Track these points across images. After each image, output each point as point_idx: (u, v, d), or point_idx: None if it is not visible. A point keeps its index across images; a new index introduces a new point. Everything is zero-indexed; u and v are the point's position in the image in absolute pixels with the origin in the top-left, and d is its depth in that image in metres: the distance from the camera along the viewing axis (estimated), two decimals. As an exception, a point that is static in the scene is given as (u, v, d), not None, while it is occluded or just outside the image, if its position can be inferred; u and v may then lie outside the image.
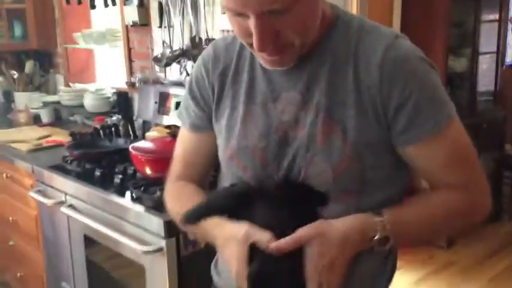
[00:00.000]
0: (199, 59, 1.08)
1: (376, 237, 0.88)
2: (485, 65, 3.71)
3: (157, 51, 2.69)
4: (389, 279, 1.05)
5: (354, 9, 2.68)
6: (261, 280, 0.86)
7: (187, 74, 2.47)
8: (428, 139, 0.90)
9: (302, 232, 0.86)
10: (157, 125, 2.55)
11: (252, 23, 0.82)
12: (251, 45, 0.87)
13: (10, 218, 2.71)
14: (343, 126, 0.90)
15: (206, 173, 1.14)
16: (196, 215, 0.97)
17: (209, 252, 1.16)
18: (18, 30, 3.50)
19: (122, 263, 1.91)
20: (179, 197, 1.08)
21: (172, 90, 2.57)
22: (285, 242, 0.85)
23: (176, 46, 2.55)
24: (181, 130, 1.14)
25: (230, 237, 0.90)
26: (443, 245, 3.49)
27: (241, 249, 0.87)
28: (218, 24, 2.42)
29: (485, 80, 3.77)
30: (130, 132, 2.66)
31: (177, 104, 2.43)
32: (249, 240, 0.87)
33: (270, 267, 0.85)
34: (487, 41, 3.67)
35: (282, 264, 0.85)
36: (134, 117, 2.82)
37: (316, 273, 0.85)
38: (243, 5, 0.81)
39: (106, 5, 2.84)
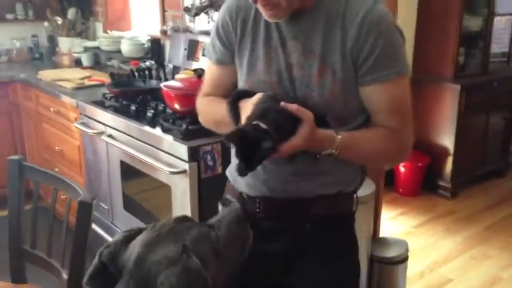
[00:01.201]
0: (225, 7, 1.32)
1: (327, 151, 1.14)
2: (501, 26, 3.79)
3: (188, 1, 2.90)
4: (358, 186, 1.34)
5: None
6: (264, 113, 1.09)
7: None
8: (378, 85, 1.15)
9: (307, 112, 1.10)
10: (185, 69, 2.82)
11: None
12: (254, 1, 1.14)
13: (56, 148, 3.07)
14: (333, 68, 1.16)
15: (229, 93, 1.35)
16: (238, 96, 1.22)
17: (224, 177, 1.43)
18: (62, -21, 3.76)
19: (152, 184, 2.22)
20: (212, 102, 1.35)
21: (201, 38, 2.81)
22: (293, 106, 1.09)
23: (205, -3, 2.77)
24: (209, 63, 1.39)
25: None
26: (447, 195, 3.73)
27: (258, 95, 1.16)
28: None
29: (500, 41, 3.84)
30: (162, 76, 2.93)
31: (204, 51, 2.67)
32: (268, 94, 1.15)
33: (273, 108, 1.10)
34: (504, 2, 3.74)
35: (281, 115, 1.09)
36: (165, 62, 3.08)
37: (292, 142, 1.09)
38: None
39: (143, -43, 3.06)
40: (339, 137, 1.14)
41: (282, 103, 1.10)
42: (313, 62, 1.17)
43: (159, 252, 0.88)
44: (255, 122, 1.07)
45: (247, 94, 1.21)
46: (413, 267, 2.67)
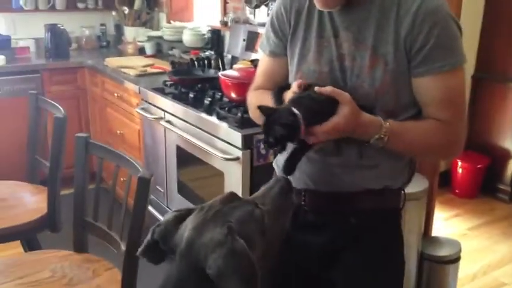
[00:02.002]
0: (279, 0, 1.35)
1: (375, 137, 1.13)
2: None
3: (249, -6, 2.97)
4: (405, 183, 1.32)
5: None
6: (298, 99, 1.11)
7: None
8: (431, 76, 1.13)
9: (344, 94, 1.10)
10: (243, 60, 2.87)
11: None
12: None
13: (118, 131, 3.23)
14: (385, 59, 1.14)
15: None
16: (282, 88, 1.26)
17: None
18: (130, -30, 3.92)
19: (206, 170, 2.29)
20: (261, 95, 1.37)
21: (260, 30, 2.85)
22: (327, 89, 1.10)
23: (266, -10, 2.82)
24: (262, 56, 1.42)
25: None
26: (506, 199, 3.60)
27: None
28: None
29: None
30: (220, 65, 3.01)
31: (259, 44, 2.72)
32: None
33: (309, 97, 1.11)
34: None
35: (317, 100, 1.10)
36: (224, 53, 3.16)
37: (329, 127, 1.09)
38: None
39: (208, -50, 3.15)
40: (387, 124, 1.13)
41: (317, 88, 1.11)
42: (364, 52, 1.16)
43: (207, 235, 0.92)
44: (288, 107, 1.09)
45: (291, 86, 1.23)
46: (465, 269, 2.62)
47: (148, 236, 1.01)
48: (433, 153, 1.29)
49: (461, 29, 1.15)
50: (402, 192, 1.31)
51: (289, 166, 1.16)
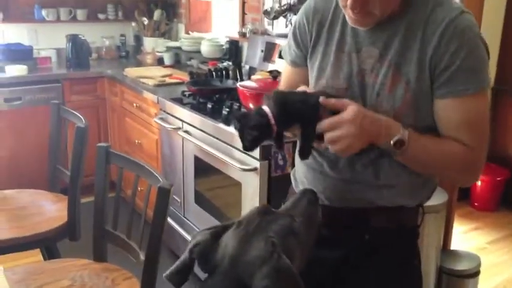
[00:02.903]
0: (302, 9, 1.29)
1: (394, 139, 1.07)
2: None
3: (268, 5, 2.99)
4: (424, 200, 1.29)
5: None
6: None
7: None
8: (453, 99, 1.09)
9: (346, 101, 1.08)
10: (261, 70, 2.89)
11: None
12: (345, 6, 1.12)
13: (136, 141, 3.26)
14: (407, 78, 1.10)
15: None
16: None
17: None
18: (150, -18, 3.98)
19: (223, 181, 2.30)
20: None
21: (278, 41, 2.87)
22: (331, 100, 1.09)
23: (284, 1, 2.83)
24: (284, 64, 1.42)
25: None
26: (526, 213, 3.54)
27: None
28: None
29: None
30: (238, 76, 3.03)
31: (281, 53, 2.73)
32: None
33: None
34: None
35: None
36: (242, 64, 3.17)
37: (337, 131, 1.06)
38: None
39: (227, -38, 3.19)
40: (406, 131, 1.08)
41: (321, 98, 1.09)
42: (388, 69, 1.13)
43: (251, 253, 0.91)
44: (258, 107, 1.10)
45: None
46: (484, 284, 2.57)
47: (186, 255, 0.97)
48: (449, 175, 1.22)
49: (489, 51, 1.12)
50: (420, 208, 1.28)
51: (304, 150, 1.16)
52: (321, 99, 1.09)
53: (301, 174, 1.33)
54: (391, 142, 1.08)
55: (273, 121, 1.07)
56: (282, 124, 1.10)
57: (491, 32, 3.45)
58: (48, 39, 3.87)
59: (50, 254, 2.11)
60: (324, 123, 1.08)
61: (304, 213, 1.04)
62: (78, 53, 3.66)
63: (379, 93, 1.14)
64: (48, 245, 2.10)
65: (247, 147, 1.11)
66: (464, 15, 1.09)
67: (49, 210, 2.15)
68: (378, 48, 1.15)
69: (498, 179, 3.53)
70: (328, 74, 1.22)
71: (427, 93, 1.11)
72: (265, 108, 1.08)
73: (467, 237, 3.24)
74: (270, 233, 0.94)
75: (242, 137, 1.10)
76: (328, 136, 1.08)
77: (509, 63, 3.57)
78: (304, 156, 1.16)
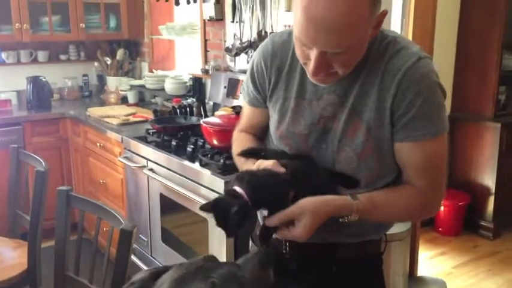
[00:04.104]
0: (260, 52, 1.27)
1: (346, 218, 1.12)
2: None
3: (229, 42, 3.05)
4: (387, 231, 1.33)
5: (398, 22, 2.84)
6: (244, 176, 1.10)
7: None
8: (410, 143, 1.12)
9: (296, 210, 1.08)
10: (225, 106, 2.92)
11: (313, 54, 1.04)
12: (305, 64, 1.12)
13: (101, 181, 3.21)
14: (367, 125, 1.13)
15: (263, 132, 1.39)
16: (246, 152, 1.28)
17: None
18: (113, 22, 4.00)
19: (190, 218, 2.29)
20: (240, 141, 1.38)
21: (241, 77, 2.91)
22: (277, 218, 1.08)
23: (245, 38, 2.90)
24: (244, 101, 1.42)
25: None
26: (489, 236, 3.63)
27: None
28: (282, 20, 2.74)
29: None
30: (202, 112, 3.05)
31: (240, 89, 2.77)
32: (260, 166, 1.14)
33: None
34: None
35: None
36: (206, 100, 3.20)
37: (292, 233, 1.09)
38: (312, 42, 1.02)
39: (188, 2, 3.26)
40: (356, 202, 1.11)
41: (279, 216, 1.08)
42: (348, 117, 1.14)
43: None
44: (231, 188, 1.07)
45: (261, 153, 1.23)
46: (452, 309, 2.60)
47: None
48: (406, 219, 1.30)
49: (445, 93, 1.14)
50: (383, 236, 1.32)
51: (267, 236, 1.14)
52: (279, 216, 1.08)
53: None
54: (341, 220, 1.12)
55: (247, 198, 1.05)
56: (254, 207, 1.07)
57: (444, 61, 3.61)
58: (8, 81, 3.82)
59: (11, 303, 2.04)
60: (281, 234, 1.10)
61: (252, 273, 0.98)
62: (39, 94, 3.63)
63: (340, 139, 1.16)
64: (9, 293, 2.02)
65: (232, 233, 1.07)
66: (421, 61, 1.10)
67: (8, 257, 2.08)
68: (338, 96, 1.16)
69: (460, 204, 3.63)
70: (288, 120, 1.22)
71: (388, 138, 1.13)
72: (238, 189, 1.06)
73: (433, 262, 3.28)
74: (213, 275, 0.89)
75: (224, 226, 1.07)
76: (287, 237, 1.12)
77: (464, 90, 3.72)
78: (266, 241, 1.15)
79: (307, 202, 1.08)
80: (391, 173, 1.18)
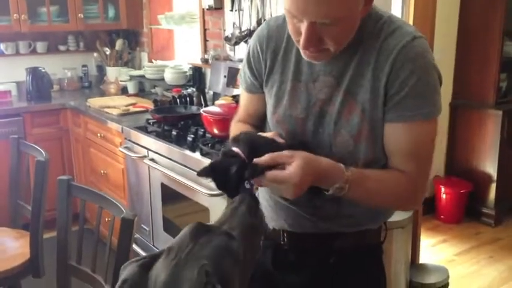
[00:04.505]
0: (255, 36, 1.26)
1: (334, 187, 1.06)
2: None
3: (228, 31, 3.02)
4: (386, 220, 1.31)
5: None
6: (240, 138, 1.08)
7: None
8: (400, 123, 1.09)
9: (287, 153, 1.03)
10: (225, 96, 2.91)
11: (303, 27, 1.03)
12: (298, 41, 1.11)
13: (102, 171, 3.21)
14: (362, 106, 1.11)
15: (260, 121, 1.37)
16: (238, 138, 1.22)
17: None
18: (111, 12, 3.97)
19: (191, 207, 2.29)
20: (237, 131, 1.32)
21: (240, 66, 2.88)
22: (268, 156, 1.03)
23: (244, 27, 2.88)
24: (241, 90, 1.41)
25: None
26: (490, 223, 3.63)
27: None
28: (281, 8, 2.72)
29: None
30: (202, 102, 3.04)
31: (238, 77, 2.77)
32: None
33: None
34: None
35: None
36: (206, 89, 3.19)
37: (280, 185, 1.03)
38: (302, 13, 1.01)
39: (186, -9, 3.24)
40: (349, 172, 1.07)
41: (255, 160, 1.03)
42: (343, 98, 1.13)
43: (183, 285, 0.82)
44: (225, 151, 1.06)
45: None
46: (454, 296, 2.61)
47: None
48: (390, 204, 1.23)
49: (441, 78, 1.12)
50: (383, 225, 1.30)
51: (251, 177, 1.08)
52: (270, 155, 1.04)
53: (264, 200, 1.33)
54: (331, 190, 1.07)
55: (244, 157, 1.04)
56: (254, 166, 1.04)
57: (446, 48, 3.59)
58: (7, 72, 3.80)
59: (14, 292, 2.05)
60: (269, 175, 1.03)
61: (242, 224, 0.94)
62: (39, 85, 3.62)
63: (336, 122, 1.14)
64: (12, 283, 2.03)
65: (234, 194, 1.03)
66: (415, 41, 1.09)
67: (11, 247, 2.08)
68: (334, 77, 1.14)
69: (462, 191, 3.63)
70: (286, 103, 1.21)
71: (381, 119, 1.11)
72: (234, 148, 1.05)
73: (435, 250, 3.29)
74: (203, 260, 0.85)
75: (223, 187, 1.06)
76: (270, 188, 1.09)
77: (464, 79, 3.71)
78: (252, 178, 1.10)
79: (300, 151, 1.06)
80: (380, 162, 1.16)
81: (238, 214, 0.96)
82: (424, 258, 2.87)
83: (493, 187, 3.62)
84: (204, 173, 1.07)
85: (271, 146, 1.09)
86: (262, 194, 1.34)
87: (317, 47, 1.06)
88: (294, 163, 1.02)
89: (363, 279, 1.26)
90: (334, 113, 1.14)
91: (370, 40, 1.11)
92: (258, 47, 1.25)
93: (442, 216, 3.70)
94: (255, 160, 1.03)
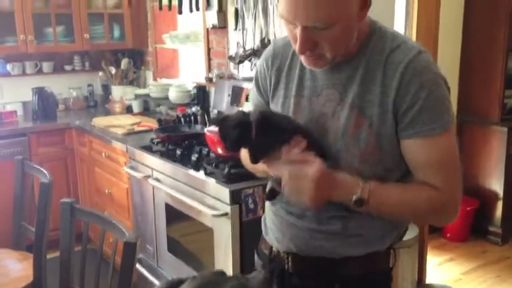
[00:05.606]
0: (263, 55, 1.31)
1: (354, 198, 1.07)
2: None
3: (232, 50, 3.05)
4: (396, 242, 1.27)
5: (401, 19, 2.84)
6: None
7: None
8: (419, 139, 1.09)
9: (309, 156, 1.08)
10: (229, 114, 2.91)
11: (298, 31, 1.05)
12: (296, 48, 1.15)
13: (106, 191, 3.21)
14: (370, 121, 1.10)
15: None
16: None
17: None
18: (117, 32, 4.01)
19: (195, 227, 2.28)
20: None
21: (244, 85, 2.91)
22: (295, 152, 1.09)
23: (248, 46, 2.90)
24: (250, 108, 1.42)
25: None
26: (497, 241, 3.59)
27: None
28: (284, 28, 2.74)
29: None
30: (207, 121, 3.04)
31: (247, 97, 2.78)
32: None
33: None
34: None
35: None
36: (210, 108, 3.20)
37: (295, 181, 1.07)
38: (294, 17, 1.04)
39: (191, 11, 3.25)
40: (367, 184, 1.08)
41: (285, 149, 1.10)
42: (350, 113, 1.12)
43: None
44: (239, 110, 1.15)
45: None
46: (462, 316, 2.57)
47: None
48: (421, 219, 1.23)
49: (449, 87, 1.13)
50: (392, 251, 1.26)
51: (257, 155, 1.15)
52: (297, 138, 1.11)
53: (270, 221, 1.32)
54: (351, 202, 1.08)
55: (253, 123, 1.10)
56: (261, 132, 1.10)
57: (449, 65, 3.59)
58: (13, 93, 3.84)
59: (17, 315, 2.03)
60: (292, 155, 1.08)
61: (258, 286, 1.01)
62: (45, 105, 3.64)
63: (342, 136, 1.13)
64: (15, 306, 2.02)
65: (230, 147, 1.12)
66: (421, 55, 1.10)
67: (14, 269, 2.08)
68: (338, 91, 1.15)
69: (468, 209, 3.59)
70: None
71: (390, 134, 1.11)
72: (249, 111, 1.13)
73: (442, 269, 3.25)
74: (224, 286, 0.93)
75: (224, 137, 1.12)
76: (287, 185, 1.09)
77: (469, 94, 3.70)
78: (253, 159, 1.15)
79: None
80: (391, 176, 1.15)
81: (255, 280, 1.02)
82: (430, 277, 2.84)
83: (500, 205, 3.58)
84: (215, 121, 1.16)
85: (285, 121, 1.14)
86: (268, 215, 1.34)
87: (313, 51, 1.09)
88: (316, 163, 1.06)
89: None
90: (340, 128, 1.14)
91: (375, 55, 1.12)
92: (264, 65, 1.29)
93: (448, 235, 3.66)
94: (285, 153, 1.10)
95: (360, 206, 1.09)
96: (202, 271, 1.05)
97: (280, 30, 2.75)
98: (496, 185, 3.60)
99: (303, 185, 1.07)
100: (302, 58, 1.14)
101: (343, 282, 1.21)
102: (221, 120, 1.13)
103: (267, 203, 1.34)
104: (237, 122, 1.10)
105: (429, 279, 2.66)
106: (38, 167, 2.20)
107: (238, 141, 1.11)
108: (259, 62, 1.32)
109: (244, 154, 1.35)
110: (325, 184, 1.06)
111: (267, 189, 1.24)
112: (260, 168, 1.21)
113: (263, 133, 1.10)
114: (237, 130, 1.09)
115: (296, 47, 1.09)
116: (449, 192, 1.12)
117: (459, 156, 1.14)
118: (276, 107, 1.27)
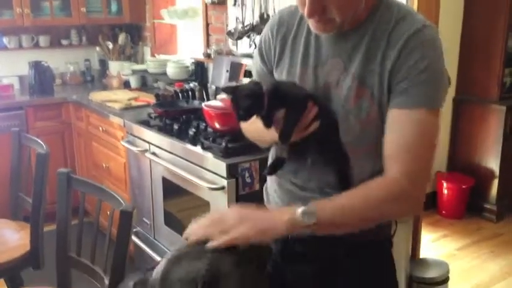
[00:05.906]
0: (267, 25, 1.28)
1: (300, 210, 1.04)
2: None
3: (231, 26, 3.02)
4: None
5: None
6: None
7: (256, 47, 2.78)
8: (405, 110, 1.07)
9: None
10: (227, 90, 2.91)
11: None
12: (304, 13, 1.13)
13: (104, 165, 3.22)
14: (371, 90, 1.10)
15: None
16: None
17: (261, 194, 1.44)
18: (114, 6, 3.97)
19: (192, 201, 2.29)
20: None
21: (243, 61, 2.89)
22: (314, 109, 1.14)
23: (247, 22, 2.88)
24: (253, 73, 1.41)
25: None
26: (492, 218, 3.62)
27: None
28: (283, 2, 2.71)
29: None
30: (204, 96, 3.04)
31: (246, 73, 2.76)
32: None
33: None
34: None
35: None
36: (208, 84, 3.19)
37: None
38: None
39: (189, -15, 3.23)
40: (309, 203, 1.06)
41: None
42: (352, 82, 1.12)
43: (183, 267, 0.89)
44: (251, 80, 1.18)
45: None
46: (455, 290, 2.61)
47: None
48: (386, 214, 1.15)
49: (450, 79, 1.12)
50: (392, 221, 1.28)
51: (286, 134, 1.15)
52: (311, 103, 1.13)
53: (272, 190, 1.33)
54: (299, 217, 1.05)
55: (265, 93, 1.11)
56: (273, 102, 1.12)
57: (449, 45, 3.57)
58: (10, 66, 3.82)
59: (14, 283, 2.06)
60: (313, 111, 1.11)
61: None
62: (42, 79, 3.63)
63: (344, 105, 1.13)
64: (12, 274, 2.04)
65: (242, 116, 1.13)
66: (426, 28, 1.09)
67: (11, 239, 2.10)
68: (342, 60, 1.14)
69: (463, 187, 3.62)
70: None
71: (386, 105, 1.10)
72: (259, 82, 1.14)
73: (436, 245, 3.29)
74: (207, 253, 0.92)
75: (236, 106, 1.13)
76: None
77: (469, 72, 3.69)
78: (285, 139, 1.14)
79: None
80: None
81: None
82: (424, 253, 2.87)
83: (495, 183, 3.61)
84: (227, 89, 1.15)
85: (296, 89, 1.17)
86: (271, 185, 1.35)
87: (321, 15, 1.07)
88: None
89: (373, 272, 1.25)
90: (341, 98, 1.14)
91: (382, 24, 1.11)
92: (269, 33, 1.27)
93: (443, 212, 3.70)
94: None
95: (312, 219, 1.05)
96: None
97: (279, 5, 2.73)
98: (493, 163, 3.61)
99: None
100: (310, 23, 1.13)
101: (348, 248, 1.22)
102: (234, 89, 1.14)
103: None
104: (249, 91, 1.12)
105: (423, 255, 2.69)
106: (35, 138, 2.20)
107: (250, 109, 1.11)
108: (263, 31, 1.30)
109: (246, 126, 1.33)
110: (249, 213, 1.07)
111: (270, 162, 1.24)
112: (268, 137, 1.21)
113: (275, 102, 1.13)
114: (250, 99, 1.11)
115: (305, 10, 1.08)
116: (415, 180, 1.07)
117: (436, 145, 1.09)
118: (280, 75, 1.26)
